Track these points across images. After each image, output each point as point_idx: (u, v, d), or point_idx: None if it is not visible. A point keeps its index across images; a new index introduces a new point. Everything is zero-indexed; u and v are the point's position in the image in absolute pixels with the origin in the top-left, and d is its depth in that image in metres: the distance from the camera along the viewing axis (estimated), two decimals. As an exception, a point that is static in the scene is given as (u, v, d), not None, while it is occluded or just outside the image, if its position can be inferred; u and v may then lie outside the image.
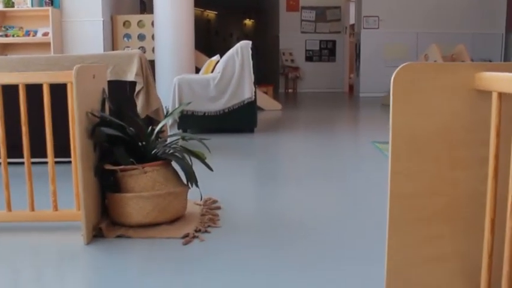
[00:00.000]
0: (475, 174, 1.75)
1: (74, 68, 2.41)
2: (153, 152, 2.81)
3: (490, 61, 11.83)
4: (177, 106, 5.95)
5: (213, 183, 3.66)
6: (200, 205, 3.08)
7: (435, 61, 8.73)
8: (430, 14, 11.93)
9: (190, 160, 2.83)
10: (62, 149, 3.13)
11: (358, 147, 5.40)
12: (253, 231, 2.68)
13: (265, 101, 8.92)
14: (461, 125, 1.74)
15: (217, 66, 6.16)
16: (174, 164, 2.82)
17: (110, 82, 4.12)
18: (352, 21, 13.24)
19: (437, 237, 1.79)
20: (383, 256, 1.84)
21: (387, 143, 5.42)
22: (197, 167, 2.92)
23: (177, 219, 2.78)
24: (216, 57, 6.62)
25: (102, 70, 2.80)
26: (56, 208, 2.69)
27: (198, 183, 2.82)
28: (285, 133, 6.27)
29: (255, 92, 6.12)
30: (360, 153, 5.07)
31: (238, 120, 6.14)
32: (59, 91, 3.03)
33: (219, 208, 3.06)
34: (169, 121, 6.05)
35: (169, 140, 2.94)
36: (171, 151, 2.84)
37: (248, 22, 26.69)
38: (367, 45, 11.91)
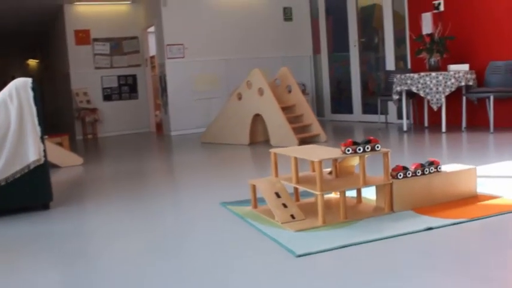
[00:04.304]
0: None
1: None
2: None
3: (304, 85, 11.20)
4: None
5: None
6: None
7: (260, 88, 7.54)
8: (238, 39, 10.98)
9: None
10: None
11: (211, 218, 3.77)
12: None
13: (60, 155, 6.97)
14: None
15: (-18, 119, 4.20)
16: None
17: None
18: (153, 51, 11.71)
19: None
20: None
21: (241, 203, 3.94)
22: None
23: None
24: (-20, 107, 4.61)
25: None
26: None
27: None
28: (94, 204, 4.49)
29: (45, 150, 4.28)
30: (219, 230, 3.49)
31: (24, 194, 4.23)
32: None
33: None
34: None
35: None
36: None
37: (32, 62, 24.12)
38: (173, 77, 10.48)
